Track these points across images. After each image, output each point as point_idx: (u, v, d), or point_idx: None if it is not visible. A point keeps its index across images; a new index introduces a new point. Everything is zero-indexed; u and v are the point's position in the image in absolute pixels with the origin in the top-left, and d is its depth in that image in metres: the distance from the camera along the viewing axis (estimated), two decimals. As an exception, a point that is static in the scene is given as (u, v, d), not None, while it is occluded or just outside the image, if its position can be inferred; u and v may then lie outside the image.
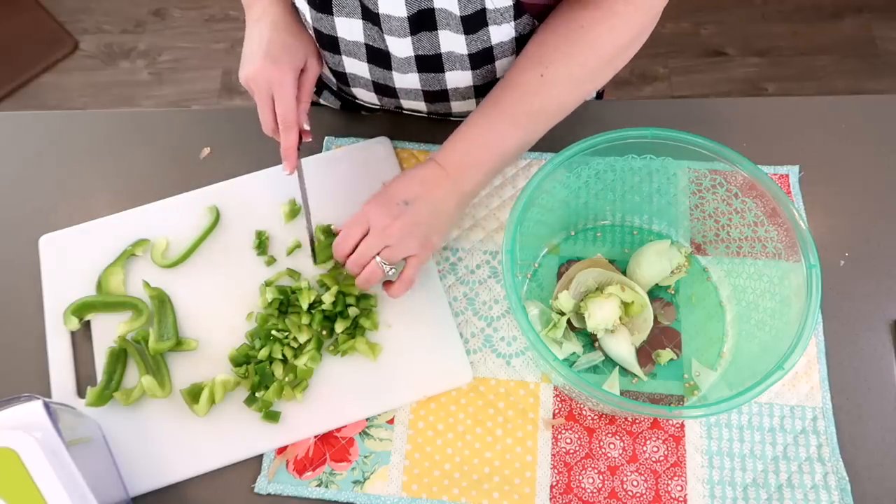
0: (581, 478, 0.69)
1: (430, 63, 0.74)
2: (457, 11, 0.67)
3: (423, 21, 0.68)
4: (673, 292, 0.77)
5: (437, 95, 0.79)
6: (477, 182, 0.72)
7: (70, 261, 0.80)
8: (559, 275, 0.78)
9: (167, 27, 2.15)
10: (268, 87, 0.72)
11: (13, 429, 0.55)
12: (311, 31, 0.74)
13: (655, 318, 0.75)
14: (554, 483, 0.69)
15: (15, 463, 0.54)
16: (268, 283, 0.77)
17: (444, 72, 0.75)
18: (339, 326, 0.74)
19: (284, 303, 0.75)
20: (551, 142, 0.76)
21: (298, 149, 0.75)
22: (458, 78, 0.76)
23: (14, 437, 0.54)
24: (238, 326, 0.76)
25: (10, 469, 0.54)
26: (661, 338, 0.74)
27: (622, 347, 0.72)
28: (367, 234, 0.70)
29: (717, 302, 0.76)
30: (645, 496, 0.68)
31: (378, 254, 0.69)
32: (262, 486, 0.69)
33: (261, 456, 0.71)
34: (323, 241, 0.78)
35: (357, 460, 0.70)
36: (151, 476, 0.70)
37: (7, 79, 2.06)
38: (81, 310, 0.76)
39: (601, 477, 0.69)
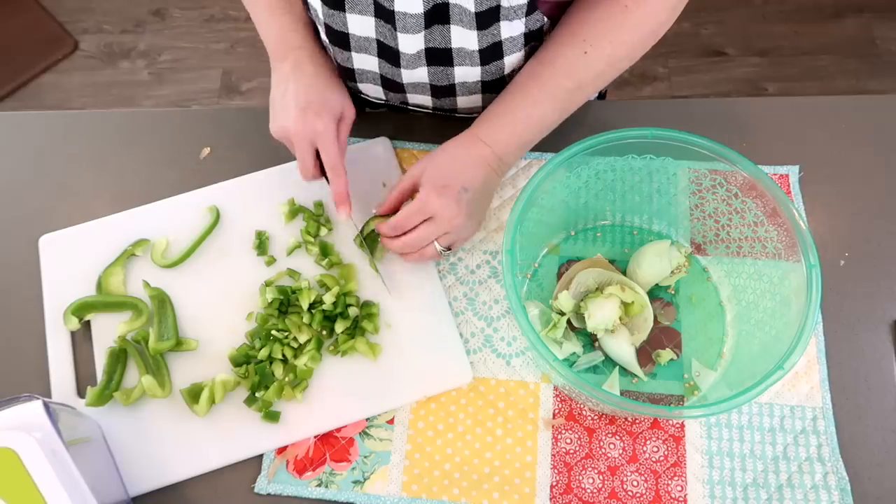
0: (581, 478, 0.69)
1: (439, 57, 0.74)
2: (472, 8, 0.67)
3: (436, 15, 0.69)
4: (673, 292, 0.77)
5: (444, 90, 0.79)
6: (515, 156, 0.74)
7: (70, 261, 0.80)
8: (559, 275, 0.78)
9: (167, 27, 2.15)
10: (311, 138, 0.73)
11: (13, 429, 0.55)
12: (322, 27, 0.74)
13: (655, 318, 0.75)
14: (554, 483, 0.69)
15: (15, 463, 0.54)
16: (268, 283, 0.77)
17: (453, 66, 0.75)
18: (340, 327, 0.74)
19: (284, 303, 0.75)
20: (551, 142, 0.76)
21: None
22: (467, 73, 0.76)
23: (14, 437, 0.54)
24: (238, 326, 0.76)
25: (10, 469, 0.54)
26: (661, 338, 0.74)
27: (622, 347, 0.72)
28: (427, 219, 0.71)
29: (717, 302, 0.76)
30: (645, 496, 0.68)
31: (436, 239, 0.72)
32: (262, 486, 0.69)
33: (261, 456, 0.71)
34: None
35: (357, 460, 0.70)
36: (151, 476, 0.70)
37: (7, 79, 2.06)
38: (81, 310, 0.76)
39: (601, 477, 0.69)
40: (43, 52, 2.10)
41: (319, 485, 0.69)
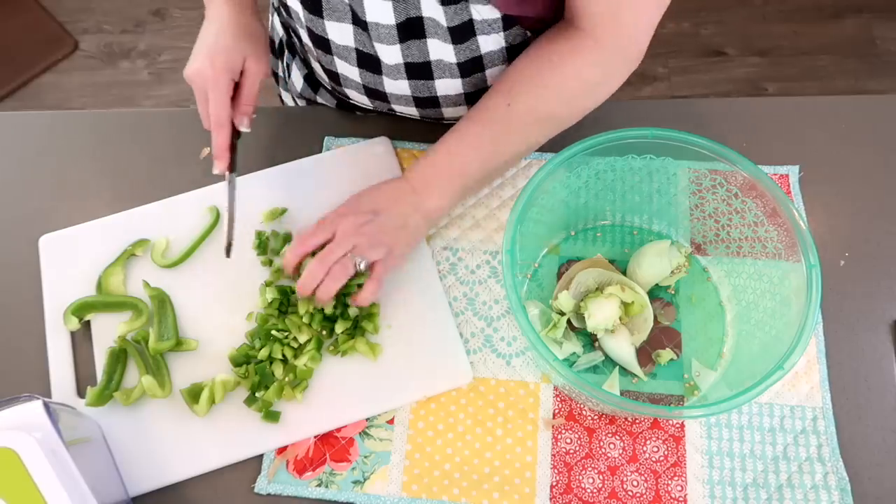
0: (581, 478, 0.69)
1: (419, 70, 0.73)
2: (444, 22, 0.67)
3: (411, 29, 0.68)
4: (673, 292, 0.77)
5: (427, 101, 0.79)
6: (441, 201, 0.72)
7: (70, 261, 0.80)
8: (559, 275, 0.78)
9: (167, 27, 2.15)
10: (203, 86, 0.72)
11: (13, 429, 0.55)
12: (304, 30, 0.74)
13: (655, 318, 0.75)
14: (554, 483, 0.69)
15: (15, 463, 0.54)
16: (268, 283, 0.77)
17: (433, 79, 0.75)
18: (340, 327, 0.73)
19: (284, 303, 0.75)
20: (551, 142, 0.76)
21: (233, 149, 0.75)
22: (448, 85, 0.75)
23: (14, 437, 0.54)
24: (238, 326, 0.76)
25: (10, 469, 0.54)
26: (661, 338, 0.74)
27: (622, 347, 0.72)
28: (330, 241, 0.70)
29: (717, 302, 0.76)
30: (645, 496, 0.68)
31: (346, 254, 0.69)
32: (262, 486, 0.69)
33: (261, 456, 0.71)
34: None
35: (357, 460, 0.70)
36: (151, 476, 0.70)
37: (7, 79, 2.06)
38: (81, 310, 0.76)
39: (601, 477, 0.69)
40: (43, 52, 2.10)
41: (319, 485, 0.69)
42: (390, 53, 0.71)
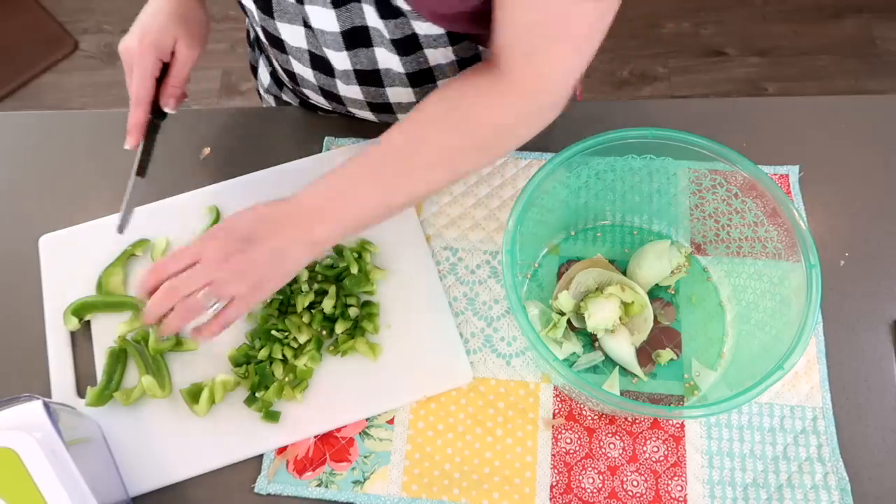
0: (581, 478, 0.69)
1: (369, 77, 0.73)
2: (387, 34, 0.66)
3: (357, 37, 0.67)
4: (673, 292, 0.77)
5: (381, 107, 0.78)
6: (331, 233, 0.64)
7: (70, 261, 0.80)
8: (559, 275, 0.78)
9: (167, 27, 2.14)
10: (130, 61, 0.73)
11: (13, 429, 0.55)
12: (259, 29, 0.73)
13: (655, 318, 0.75)
14: (554, 483, 0.69)
15: (15, 463, 0.54)
16: None
17: (384, 87, 0.74)
18: (340, 327, 0.73)
19: (284, 303, 0.75)
20: (551, 142, 0.76)
21: (155, 128, 0.75)
22: (400, 93, 0.75)
23: (14, 437, 0.54)
24: (238, 326, 0.76)
25: (10, 469, 0.54)
26: (661, 338, 0.74)
27: (622, 347, 0.72)
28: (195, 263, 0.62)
29: (717, 302, 0.76)
30: (645, 496, 0.68)
31: (200, 288, 0.61)
32: (262, 486, 0.69)
33: (261, 456, 0.71)
34: None
35: (357, 460, 0.70)
36: (151, 476, 0.70)
37: (7, 79, 2.06)
38: (81, 310, 0.76)
39: (601, 477, 0.69)
40: (43, 52, 2.10)
41: (319, 485, 0.69)
42: (339, 59, 0.70)
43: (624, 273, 0.77)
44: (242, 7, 0.75)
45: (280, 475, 0.70)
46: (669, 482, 0.68)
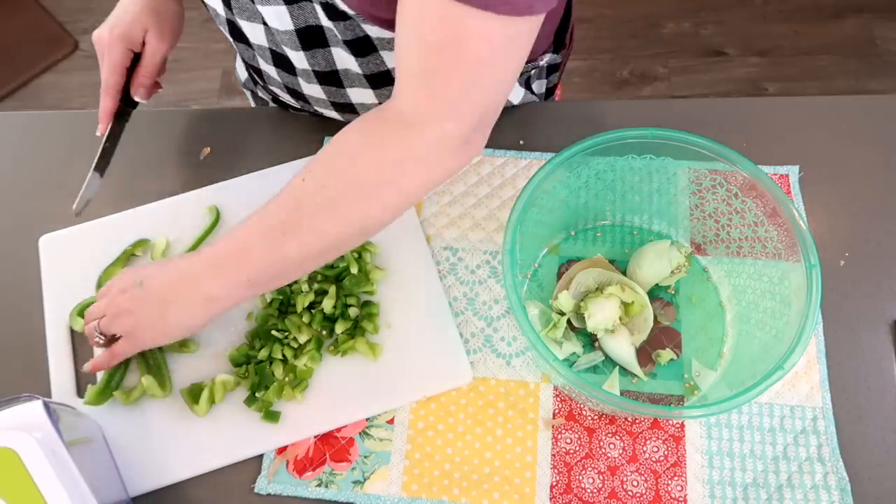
0: (581, 478, 0.69)
1: (329, 78, 0.73)
2: (340, 36, 0.65)
3: (312, 37, 0.66)
4: (673, 292, 0.77)
5: (345, 107, 0.79)
6: (221, 290, 0.62)
7: (70, 261, 0.80)
8: (559, 275, 0.78)
9: (167, 27, 2.14)
10: (101, 51, 0.75)
11: (13, 429, 0.55)
12: (225, 22, 0.73)
13: (655, 318, 0.75)
14: (554, 483, 0.69)
15: (15, 463, 0.54)
16: None
17: (344, 87, 0.74)
18: (340, 327, 0.73)
19: (284, 303, 0.75)
20: (551, 142, 0.76)
21: (124, 116, 0.79)
22: (361, 94, 0.75)
23: (14, 437, 0.54)
24: (238, 326, 0.76)
25: (10, 469, 0.54)
26: (661, 338, 0.74)
27: (622, 347, 0.72)
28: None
29: (717, 302, 0.76)
30: (645, 496, 0.68)
31: (99, 320, 0.67)
32: (262, 486, 0.69)
33: (261, 456, 0.71)
34: None
35: (357, 460, 0.70)
36: (151, 476, 0.70)
37: (7, 79, 2.06)
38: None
39: (601, 477, 0.69)
40: (43, 52, 2.10)
41: (319, 485, 0.69)
42: (298, 59, 0.70)
43: (624, 273, 0.77)
44: (206, 5, 0.75)
45: (280, 475, 0.70)
46: (669, 482, 0.68)
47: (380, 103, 0.72)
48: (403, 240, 0.79)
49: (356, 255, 0.77)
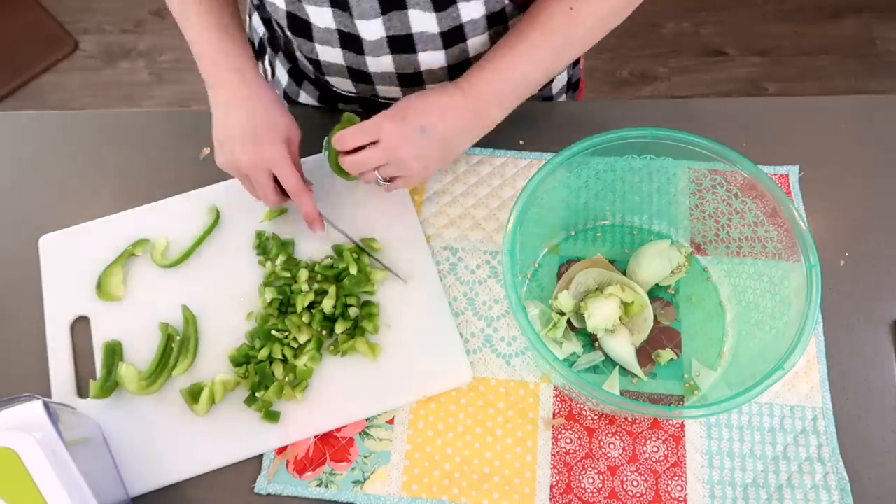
0: (581, 478, 0.69)
1: (401, 44, 0.73)
2: None
3: (392, 0, 0.68)
4: (673, 292, 0.77)
5: (411, 79, 0.79)
6: (499, 114, 0.71)
7: (70, 261, 0.80)
8: (559, 275, 0.78)
9: (167, 27, 2.14)
10: (266, 166, 0.72)
11: (13, 429, 0.55)
12: (284, 19, 0.73)
13: (655, 318, 0.75)
14: (554, 483, 0.69)
15: (15, 463, 0.54)
16: (266, 283, 0.77)
17: (416, 52, 0.74)
18: (340, 327, 0.73)
19: (284, 303, 0.75)
20: (551, 142, 0.76)
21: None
22: (431, 59, 0.75)
23: (14, 437, 0.54)
24: (238, 326, 0.76)
25: (10, 469, 0.54)
26: (661, 338, 0.74)
27: (622, 347, 0.72)
28: (374, 142, 0.69)
29: (717, 302, 0.76)
30: (645, 496, 0.68)
31: (378, 167, 0.70)
32: (262, 486, 0.69)
33: (261, 456, 0.71)
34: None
35: (357, 460, 0.70)
36: (151, 476, 0.70)
37: (7, 79, 2.06)
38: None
39: (601, 477, 0.69)
40: (43, 52, 2.10)
41: (319, 485, 0.69)
42: (372, 29, 0.71)
43: (624, 273, 0.77)
44: (261, 4, 0.74)
45: (280, 475, 0.70)
46: (669, 482, 0.68)
47: (448, 65, 0.77)
48: (403, 240, 0.79)
49: (355, 255, 0.77)
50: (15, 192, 0.86)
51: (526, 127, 0.85)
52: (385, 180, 0.72)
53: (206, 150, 0.87)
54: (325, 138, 0.76)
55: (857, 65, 1.95)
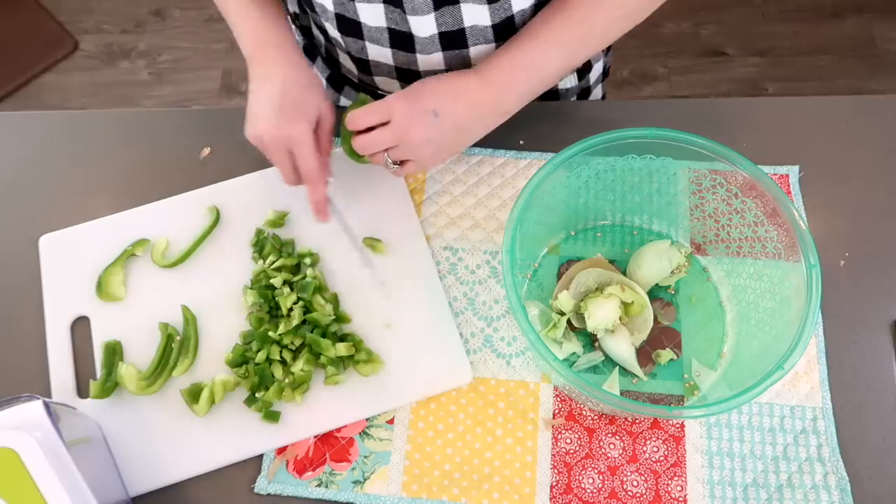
0: (581, 478, 0.69)
1: (453, 39, 0.73)
2: None
3: None
4: (673, 292, 0.77)
5: None
6: (516, 103, 0.71)
7: (70, 261, 0.80)
8: (559, 275, 0.78)
9: (167, 27, 2.15)
10: (285, 144, 0.70)
11: (13, 429, 0.55)
12: (333, 20, 0.73)
13: (655, 318, 0.75)
14: (554, 483, 0.69)
15: (15, 463, 0.54)
16: (253, 285, 0.76)
17: (468, 47, 0.74)
18: (330, 371, 0.72)
19: (273, 308, 0.75)
20: (551, 142, 0.76)
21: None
22: (483, 53, 0.75)
23: (14, 437, 0.54)
24: (238, 327, 0.76)
25: (10, 469, 0.54)
26: (661, 338, 0.74)
27: (622, 347, 0.72)
28: (384, 124, 0.68)
29: (717, 302, 0.76)
30: (645, 496, 0.68)
31: (387, 149, 0.69)
32: (262, 486, 0.69)
33: (261, 456, 0.71)
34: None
35: (357, 460, 0.70)
36: (151, 476, 0.70)
37: (7, 79, 2.06)
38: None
39: (601, 477, 0.69)
40: (43, 52, 2.10)
41: (319, 485, 0.69)
42: (425, 25, 0.71)
43: (624, 273, 0.77)
44: (310, 7, 0.73)
45: (280, 475, 0.70)
46: (669, 482, 0.68)
47: None
48: (403, 240, 0.79)
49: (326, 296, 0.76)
50: (15, 192, 0.86)
51: (526, 127, 0.85)
52: (395, 163, 0.71)
53: (206, 150, 0.87)
54: (341, 122, 0.74)
55: (857, 65, 1.95)
